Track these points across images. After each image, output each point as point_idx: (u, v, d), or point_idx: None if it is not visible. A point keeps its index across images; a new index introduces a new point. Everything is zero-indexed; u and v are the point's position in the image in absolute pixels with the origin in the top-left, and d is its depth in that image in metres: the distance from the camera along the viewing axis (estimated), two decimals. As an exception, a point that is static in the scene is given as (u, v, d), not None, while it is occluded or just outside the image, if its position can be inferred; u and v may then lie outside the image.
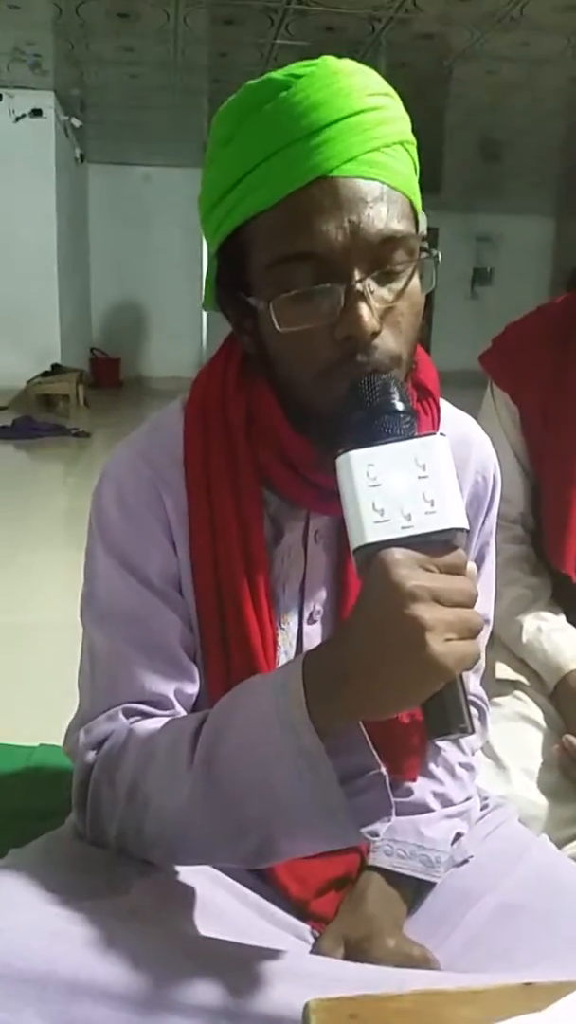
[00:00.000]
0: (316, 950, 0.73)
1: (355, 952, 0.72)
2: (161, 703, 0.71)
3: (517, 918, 0.74)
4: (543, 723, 1.16)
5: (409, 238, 0.64)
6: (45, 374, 7.25)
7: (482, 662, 0.92)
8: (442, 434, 0.58)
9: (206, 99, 6.87)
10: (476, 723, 0.90)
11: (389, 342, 0.64)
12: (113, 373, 9.54)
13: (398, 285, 0.64)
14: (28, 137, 7.11)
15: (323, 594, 0.77)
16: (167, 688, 0.71)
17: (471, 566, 0.56)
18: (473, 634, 0.53)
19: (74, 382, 7.22)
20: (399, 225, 0.63)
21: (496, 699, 1.18)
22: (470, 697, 0.89)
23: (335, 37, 5.24)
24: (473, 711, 0.89)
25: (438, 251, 0.69)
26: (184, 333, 9.81)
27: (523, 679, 1.21)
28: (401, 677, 0.52)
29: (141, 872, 0.66)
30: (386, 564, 0.52)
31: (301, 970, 0.59)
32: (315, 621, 0.77)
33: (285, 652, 0.76)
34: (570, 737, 1.10)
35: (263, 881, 0.75)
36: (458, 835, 0.82)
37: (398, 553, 0.53)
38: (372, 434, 0.59)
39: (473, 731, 0.54)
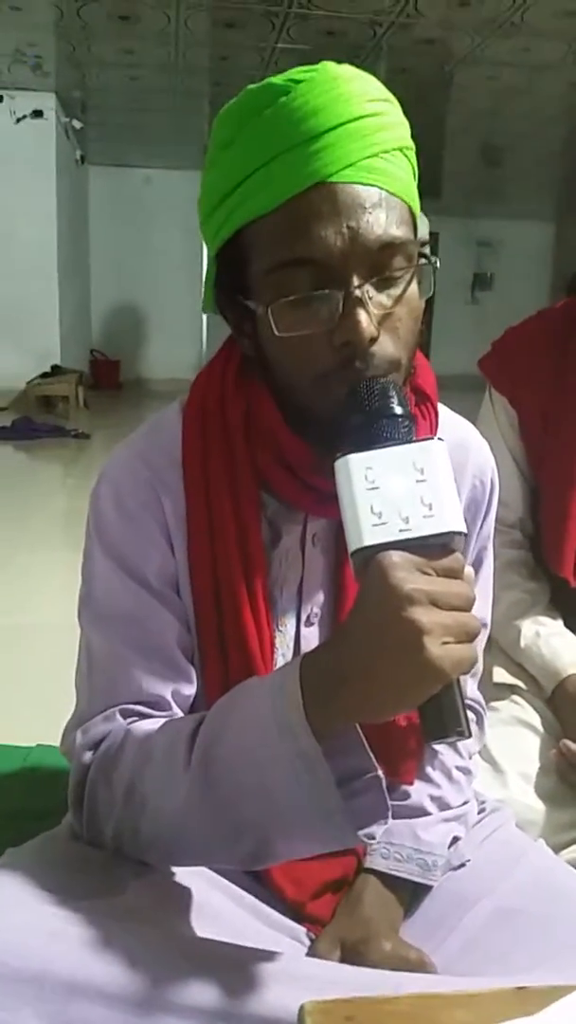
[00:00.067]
0: (312, 953, 0.73)
1: (351, 955, 0.72)
2: (158, 704, 0.71)
3: (514, 923, 0.74)
4: (540, 728, 1.16)
5: (408, 244, 0.64)
6: (45, 375, 7.25)
7: (480, 666, 0.92)
8: (440, 438, 0.58)
9: (207, 102, 6.89)
10: (473, 727, 0.90)
11: (388, 347, 0.64)
12: (113, 375, 9.54)
13: (396, 291, 0.64)
14: (29, 138, 7.12)
15: (321, 597, 0.77)
16: (164, 689, 0.71)
17: (468, 570, 0.56)
18: (470, 638, 0.53)
19: (74, 383, 7.22)
20: (398, 231, 0.63)
21: (494, 703, 1.18)
22: (467, 701, 0.89)
23: (336, 41, 5.25)
24: (470, 715, 0.89)
25: (437, 257, 0.69)
26: (184, 335, 9.82)
27: (521, 683, 1.21)
28: (398, 680, 0.52)
29: (137, 873, 0.66)
30: (384, 567, 0.52)
31: (297, 972, 0.59)
32: (312, 624, 0.77)
33: (283, 654, 0.76)
34: (567, 742, 1.10)
35: (259, 883, 0.75)
36: (455, 839, 0.82)
37: (396, 556, 0.53)
38: (370, 438, 0.59)
39: (470, 735, 0.55)
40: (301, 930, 0.75)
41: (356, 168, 0.62)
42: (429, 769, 0.83)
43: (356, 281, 0.62)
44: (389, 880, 0.77)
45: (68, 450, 5.75)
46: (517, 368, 1.26)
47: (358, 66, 0.67)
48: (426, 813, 0.81)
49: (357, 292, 0.62)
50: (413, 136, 0.69)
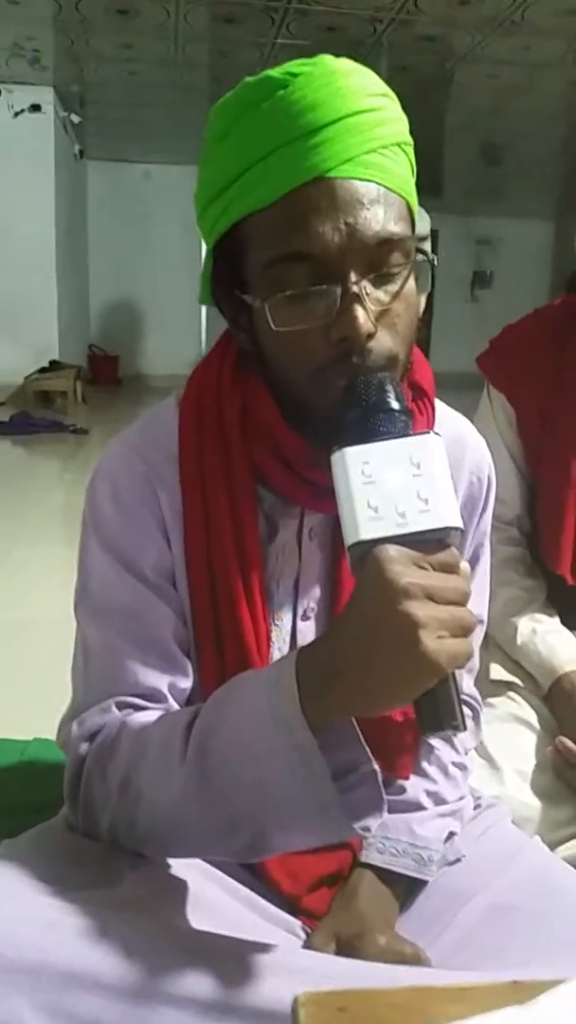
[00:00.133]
0: (308, 946, 0.73)
1: (346, 949, 0.72)
2: (154, 696, 0.71)
3: (509, 918, 0.74)
4: (537, 725, 1.16)
5: (405, 240, 0.64)
6: (43, 370, 7.24)
7: (476, 662, 0.92)
8: (437, 433, 0.58)
9: (206, 97, 6.87)
10: (470, 723, 0.90)
11: (385, 343, 0.64)
12: (112, 370, 9.53)
13: (394, 287, 0.64)
14: (27, 133, 7.10)
15: (317, 591, 0.77)
16: (160, 682, 0.71)
17: (464, 565, 0.56)
18: (466, 632, 0.53)
19: (72, 379, 7.22)
20: (396, 227, 0.63)
21: (490, 700, 1.18)
22: (463, 697, 0.90)
23: (336, 37, 5.24)
24: (466, 711, 0.90)
25: (435, 254, 0.70)
26: (183, 331, 9.81)
27: (517, 680, 1.21)
28: (394, 673, 0.52)
29: (133, 865, 0.66)
30: (380, 561, 0.53)
31: (292, 964, 0.59)
32: (309, 618, 0.77)
33: (279, 648, 0.76)
34: (564, 739, 1.11)
35: (255, 876, 0.76)
36: (451, 834, 0.82)
37: (392, 550, 0.53)
38: (367, 432, 0.59)
39: (465, 728, 0.55)
40: (297, 924, 0.75)
41: (354, 163, 0.62)
42: (425, 764, 0.83)
43: (354, 277, 0.62)
44: (385, 875, 0.77)
45: (66, 445, 5.74)
46: (515, 366, 1.26)
47: (358, 62, 0.66)
48: (422, 808, 0.81)
49: (355, 288, 0.62)
50: (413, 134, 0.69)
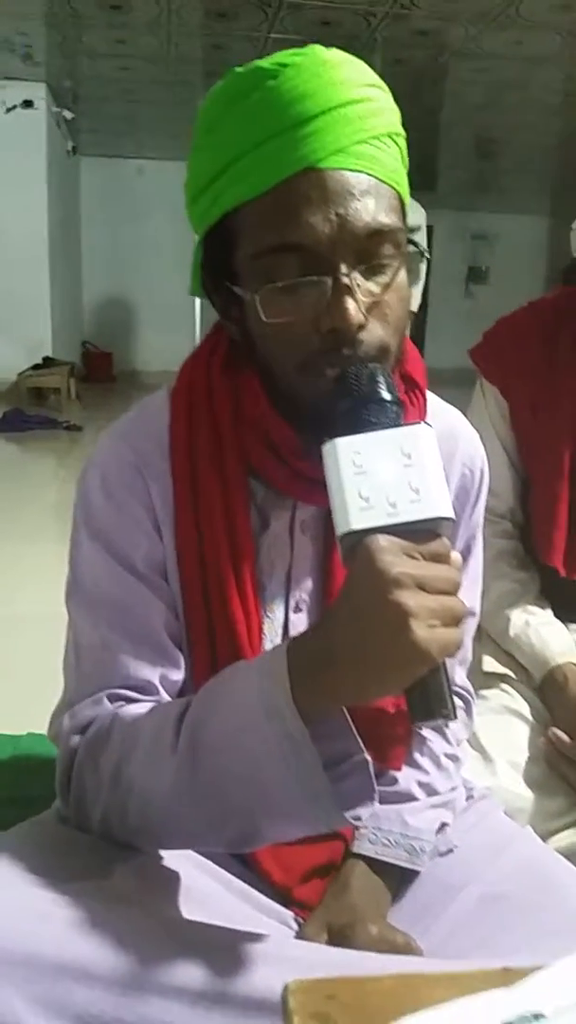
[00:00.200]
0: (300, 937, 0.73)
1: (338, 939, 0.72)
2: (146, 689, 0.71)
3: (501, 908, 0.74)
4: (529, 716, 1.16)
5: (396, 231, 0.64)
6: (36, 367, 7.22)
7: (468, 654, 0.93)
8: (428, 423, 0.58)
9: (199, 92, 6.84)
10: (462, 715, 0.91)
11: (376, 334, 0.64)
12: (106, 367, 9.51)
13: (385, 278, 0.64)
14: (19, 129, 7.06)
15: (309, 584, 0.77)
16: (152, 674, 0.71)
17: (455, 555, 0.56)
18: (456, 621, 0.53)
19: (65, 375, 7.20)
20: (386, 219, 0.63)
21: (483, 692, 1.19)
22: (456, 689, 0.90)
23: (330, 32, 5.23)
24: (459, 702, 0.90)
25: (427, 248, 0.70)
26: (177, 327, 9.79)
27: (510, 672, 1.21)
28: (385, 662, 0.52)
29: (125, 857, 0.66)
30: (371, 551, 0.53)
31: (283, 954, 0.59)
32: (301, 610, 0.77)
33: (271, 641, 0.76)
34: (556, 730, 1.11)
35: (247, 868, 0.76)
36: (443, 825, 0.82)
37: (383, 540, 0.53)
38: (358, 422, 0.59)
39: (455, 717, 0.55)
40: (289, 915, 0.75)
41: (345, 154, 0.62)
42: (417, 755, 0.83)
43: (344, 268, 0.62)
44: (377, 865, 0.77)
45: (60, 442, 5.74)
46: (508, 358, 1.26)
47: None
48: (414, 799, 0.81)
49: (345, 279, 0.62)
50: (408, 129, 0.68)
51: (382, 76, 0.67)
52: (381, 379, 0.62)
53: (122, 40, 5.71)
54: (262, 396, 0.70)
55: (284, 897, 0.76)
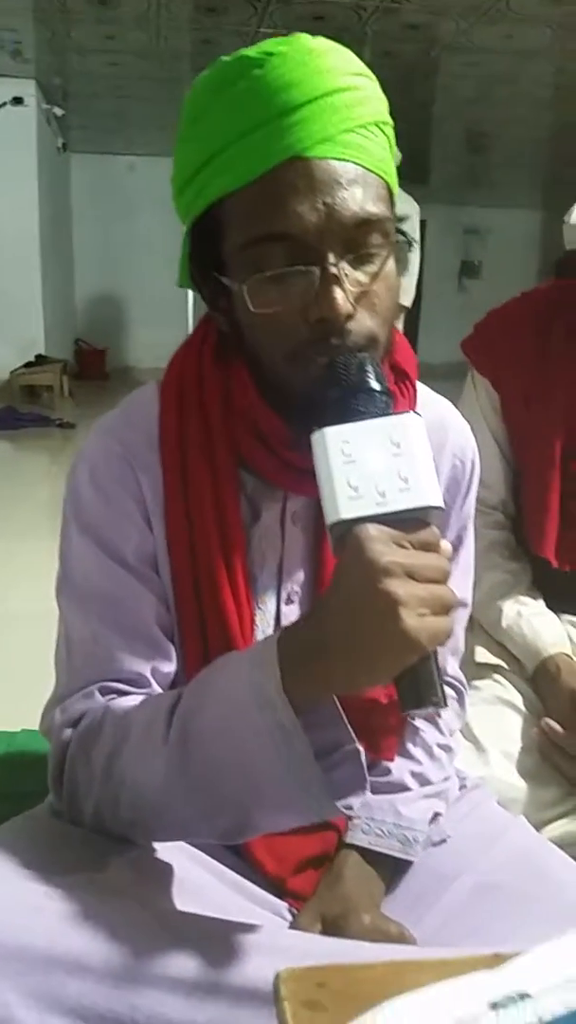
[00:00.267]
0: (294, 927, 0.73)
1: (332, 929, 0.72)
2: (137, 681, 0.71)
3: (494, 898, 0.74)
4: (522, 707, 1.17)
5: (384, 221, 0.64)
6: (29, 365, 7.21)
7: (461, 644, 0.93)
8: (417, 413, 0.58)
9: (189, 88, 6.79)
10: (455, 705, 0.91)
11: (364, 324, 0.64)
12: (99, 364, 9.49)
13: (373, 268, 0.64)
14: (9, 126, 7.04)
15: (301, 575, 0.77)
16: (143, 667, 0.71)
17: (445, 544, 0.56)
18: (446, 610, 0.53)
19: (58, 373, 7.19)
20: (374, 208, 0.63)
21: (476, 683, 1.19)
22: (449, 679, 0.90)
23: (320, 26, 5.22)
24: (451, 693, 0.90)
25: (415, 236, 0.69)
26: (170, 323, 9.75)
27: (503, 663, 1.22)
28: (374, 651, 0.52)
29: (119, 850, 0.66)
30: (360, 540, 0.53)
31: (276, 944, 0.59)
32: (293, 602, 0.77)
33: (263, 632, 0.76)
34: (549, 720, 1.11)
35: (241, 859, 0.76)
36: (435, 815, 0.82)
37: (372, 529, 0.53)
38: (347, 412, 0.59)
39: (446, 705, 0.55)
40: (283, 906, 0.75)
41: (332, 143, 0.62)
42: (410, 746, 0.83)
43: (332, 258, 0.62)
44: (370, 855, 0.77)
45: (53, 440, 5.73)
46: (499, 350, 1.26)
47: (342, 48, 0.66)
48: (407, 789, 0.81)
49: (333, 269, 0.61)
50: (400, 123, 0.68)
51: (373, 70, 0.67)
52: (370, 368, 0.61)
53: (111, 36, 5.69)
54: (251, 387, 0.69)
55: (278, 888, 0.76)
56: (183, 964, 0.55)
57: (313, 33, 0.66)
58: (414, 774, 0.82)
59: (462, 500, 0.85)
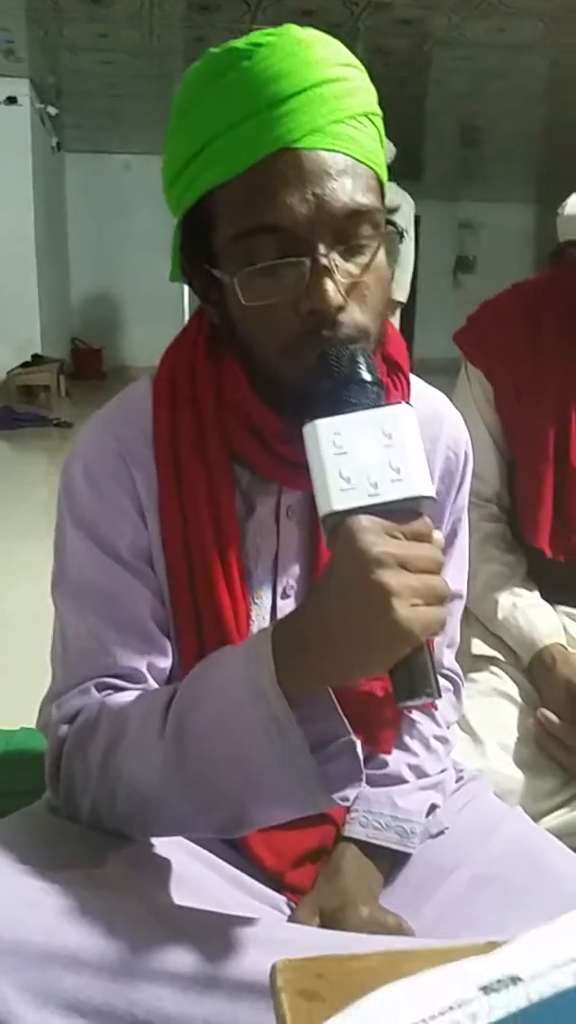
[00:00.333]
0: (292, 921, 0.73)
1: (330, 922, 0.72)
2: (133, 677, 0.71)
3: (492, 889, 0.74)
4: (518, 698, 1.17)
5: (375, 212, 0.64)
6: (25, 365, 7.20)
7: (457, 636, 0.93)
8: (408, 403, 0.58)
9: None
10: (451, 696, 0.91)
11: (355, 315, 0.63)
12: (95, 363, 9.48)
13: (364, 259, 0.64)
14: (3, 126, 7.03)
15: (296, 569, 0.77)
16: (139, 662, 0.71)
17: (437, 534, 0.56)
18: (439, 600, 0.53)
19: (55, 372, 7.19)
20: (364, 199, 0.63)
21: (472, 675, 1.19)
22: (445, 671, 0.90)
23: (313, 21, 5.18)
24: (447, 684, 0.90)
25: (404, 226, 0.69)
26: (166, 322, 9.72)
27: (499, 655, 1.22)
28: (368, 642, 0.52)
29: (116, 846, 0.66)
30: (353, 531, 0.53)
31: (274, 937, 0.59)
32: (288, 596, 0.77)
33: (259, 626, 0.75)
34: (545, 711, 1.11)
35: (239, 853, 0.76)
36: (433, 807, 0.82)
37: (365, 520, 0.53)
38: (339, 404, 0.59)
39: (439, 696, 0.55)
40: (281, 899, 0.75)
41: (321, 134, 0.62)
42: (407, 738, 0.83)
43: (322, 249, 0.61)
44: (368, 848, 0.77)
45: (50, 439, 5.73)
46: (492, 342, 1.26)
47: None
48: (404, 781, 0.81)
49: (324, 260, 0.61)
50: (393, 118, 0.68)
51: (365, 66, 0.67)
52: (361, 360, 0.61)
53: (104, 34, 5.68)
54: (243, 380, 0.69)
55: (276, 882, 0.75)
56: (181, 958, 0.56)
57: (305, 28, 0.66)
58: (411, 766, 0.82)
59: (456, 492, 0.85)
